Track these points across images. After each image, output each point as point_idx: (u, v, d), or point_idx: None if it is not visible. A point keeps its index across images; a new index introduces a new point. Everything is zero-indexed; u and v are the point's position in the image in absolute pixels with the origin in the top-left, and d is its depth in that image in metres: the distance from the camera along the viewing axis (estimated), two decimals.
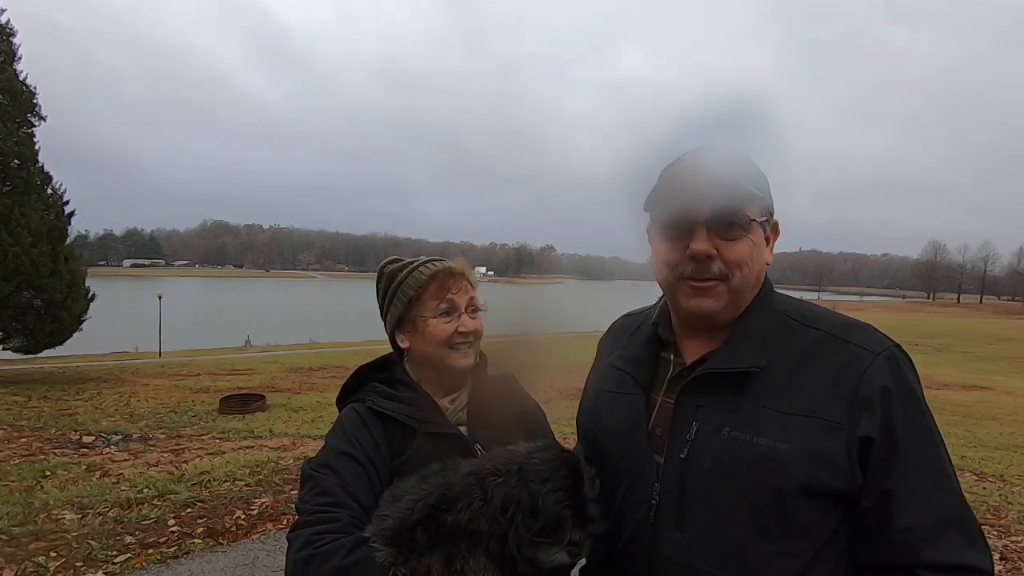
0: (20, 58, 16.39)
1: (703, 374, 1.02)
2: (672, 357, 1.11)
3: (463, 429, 1.30)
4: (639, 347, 1.17)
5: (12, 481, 5.23)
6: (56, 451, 6.96)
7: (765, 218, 1.05)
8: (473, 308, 1.33)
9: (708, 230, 1.01)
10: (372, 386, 1.32)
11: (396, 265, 1.37)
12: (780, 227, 1.11)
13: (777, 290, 1.12)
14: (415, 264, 1.35)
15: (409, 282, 1.32)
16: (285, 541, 1.14)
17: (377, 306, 1.41)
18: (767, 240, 1.08)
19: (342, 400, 1.35)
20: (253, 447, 7.04)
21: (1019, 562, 3.87)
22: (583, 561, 1.23)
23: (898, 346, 1.00)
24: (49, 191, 16.76)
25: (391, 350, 1.44)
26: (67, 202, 17.30)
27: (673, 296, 1.08)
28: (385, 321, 1.38)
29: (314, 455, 1.25)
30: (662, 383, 1.10)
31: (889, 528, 0.92)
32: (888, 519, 0.92)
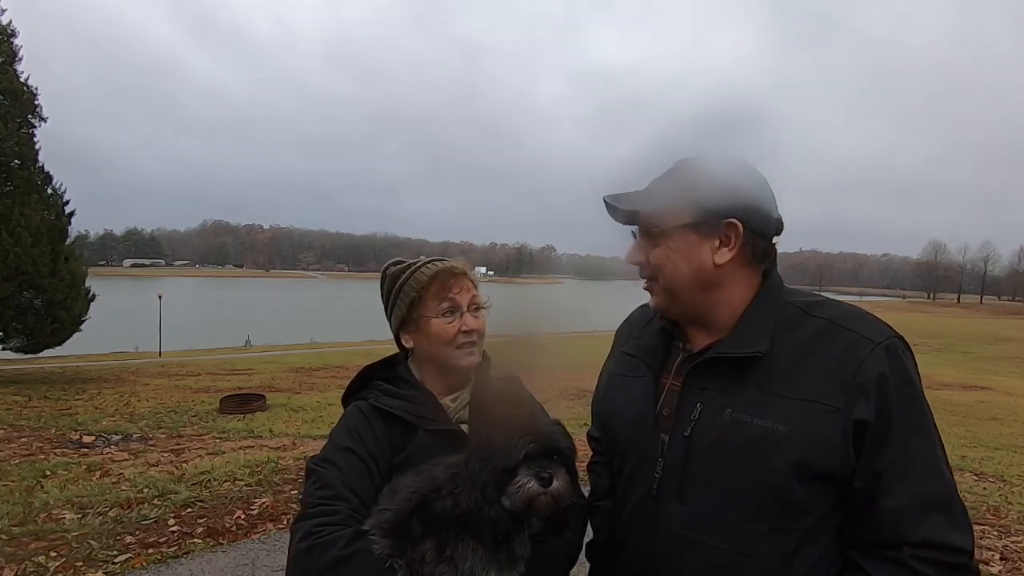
0: (21, 59, 16.41)
1: (710, 358, 1.08)
2: (682, 345, 1.18)
3: (464, 427, 1.32)
4: (651, 336, 1.24)
5: (12, 481, 5.23)
6: (56, 451, 6.96)
7: (701, 221, 1.07)
8: (476, 307, 1.35)
9: (637, 237, 1.15)
10: (377, 384, 1.35)
11: (398, 267, 1.39)
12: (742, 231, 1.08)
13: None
14: (417, 265, 1.38)
15: (411, 283, 1.34)
16: (285, 541, 1.17)
17: (380, 306, 1.43)
18: (723, 241, 1.07)
19: (347, 398, 1.37)
20: (253, 447, 7.04)
21: (1019, 562, 3.86)
22: (584, 544, 1.24)
23: (900, 337, 1.03)
24: (49, 191, 16.76)
25: (395, 350, 1.46)
26: (67, 202, 17.32)
27: None
28: (390, 322, 1.41)
29: (317, 452, 1.28)
30: (671, 368, 1.16)
31: (877, 507, 0.96)
32: (876, 499, 0.96)
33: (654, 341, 1.22)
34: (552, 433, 1.05)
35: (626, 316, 1.42)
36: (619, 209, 1.14)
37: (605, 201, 1.16)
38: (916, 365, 1.03)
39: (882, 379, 0.97)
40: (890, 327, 1.04)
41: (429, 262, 1.38)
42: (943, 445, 1.01)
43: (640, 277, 1.17)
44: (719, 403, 1.05)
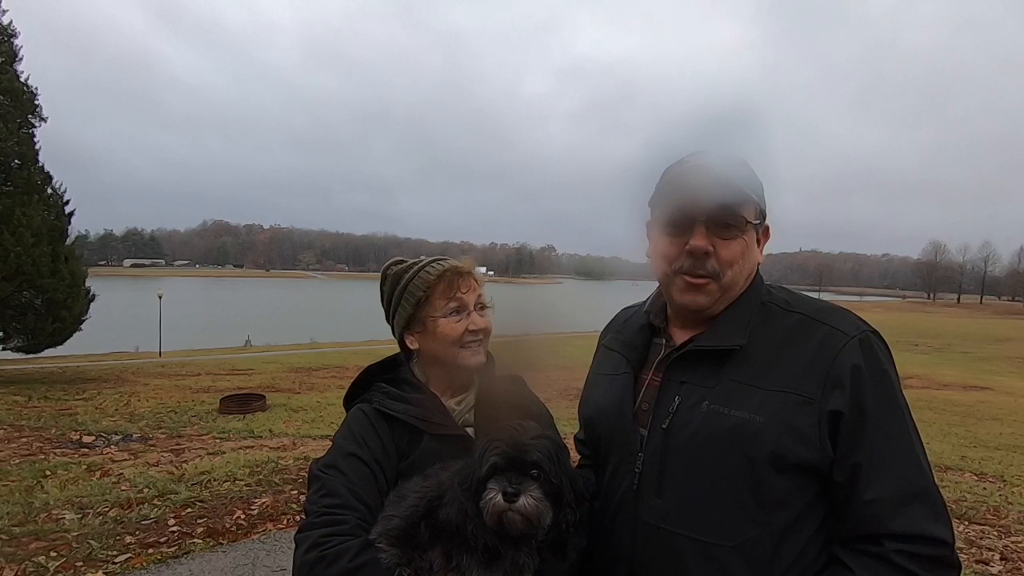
0: (21, 59, 16.41)
1: (688, 352, 1.09)
2: (663, 342, 1.19)
3: (470, 430, 1.30)
4: (632, 332, 1.24)
5: (12, 481, 5.23)
6: (56, 451, 6.96)
7: (759, 220, 1.11)
8: (481, 306, 1.34)
9: (707, 228, 1.07)
10: (379, 387, 1.32)
11: (401, 267, 1.37)
12: (771, 230, 1.16)
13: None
14: (421, 264, 1.35)
15: (417, 283, 1.32)
16: (285, 541, 1.15)
17: (380, 306, 1.41)
18: (759, 241, 1.14)
19: (349, 400, 1.35)
20: (253, 447, 7.04)
21: (1019, 562, 3.86)
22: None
23: (875, 332, 1.05)
24: (49, 191, 16.76)
25: (391, 350, 1.44)
26: (67, 202, 17.32)
27: (668, 289, 1.15)
28: (392, 323, 1.37)
29: (319, 455, 1.26)
30: (652, 364, 1.17)
31: (856, 500, 0.97)
32: (855, 491, 0.97)
33: (635, 338, 1.22)
34: (521, 445, 1.00)
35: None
36: (704, 192, 1.05)
37: (666, 178, 1.11)
38: (891, 358, 1.04)
39: (856, 371, 0.98)
40: (864, 322, 1.06)
41: (434, 261, 1.36)
42: (920, 436, 1.02)
43: (686, 271, 1.08)
44: (697, 395, 1.05)
